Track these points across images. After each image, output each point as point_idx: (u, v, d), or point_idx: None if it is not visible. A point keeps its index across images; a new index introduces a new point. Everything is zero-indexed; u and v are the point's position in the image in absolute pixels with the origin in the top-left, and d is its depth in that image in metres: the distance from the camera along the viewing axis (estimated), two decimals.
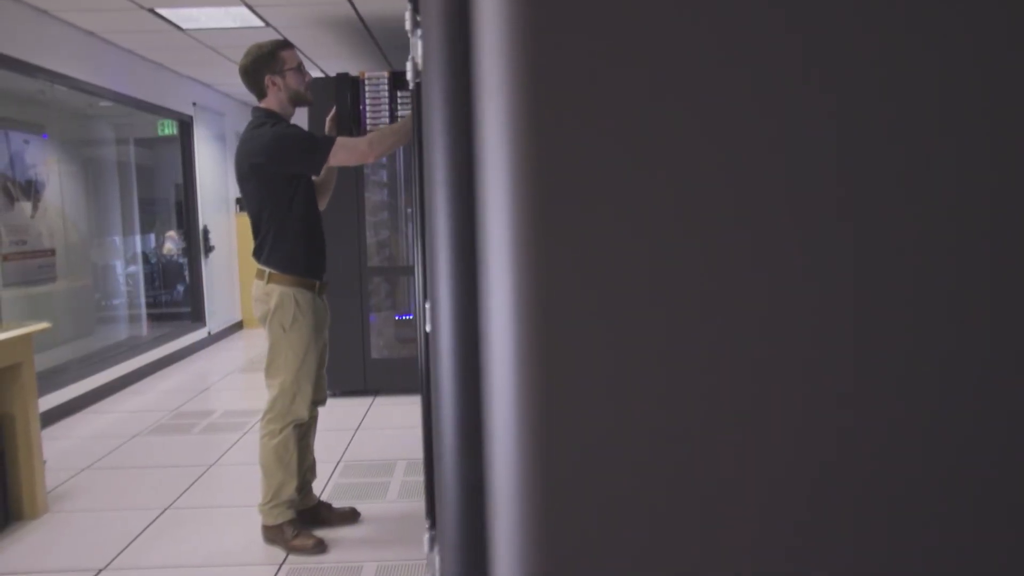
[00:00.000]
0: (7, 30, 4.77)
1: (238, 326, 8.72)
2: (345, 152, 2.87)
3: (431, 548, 1.05)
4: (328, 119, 3.25)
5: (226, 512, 3.35)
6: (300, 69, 2.94)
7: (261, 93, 2.93)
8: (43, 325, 3.46)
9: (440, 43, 0.44)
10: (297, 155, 2.86)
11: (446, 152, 0.44)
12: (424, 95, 0.46)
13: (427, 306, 1.12)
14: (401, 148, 5.28)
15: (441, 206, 0.44)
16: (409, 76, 1.05)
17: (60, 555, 3.02)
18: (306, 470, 3.10)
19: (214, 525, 3.26)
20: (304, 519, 3.09)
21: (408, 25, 1.00)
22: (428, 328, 1.10)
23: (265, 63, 2.89)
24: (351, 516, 3.20)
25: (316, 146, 2.86)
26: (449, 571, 0.43)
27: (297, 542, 2.93)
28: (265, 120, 2.90)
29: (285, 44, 2.95)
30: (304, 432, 3.07)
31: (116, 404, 5.53)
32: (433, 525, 1.05)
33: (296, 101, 2.94)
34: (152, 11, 5.12)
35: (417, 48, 1.01)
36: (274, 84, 2.89)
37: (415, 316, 5.55)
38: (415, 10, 1.01)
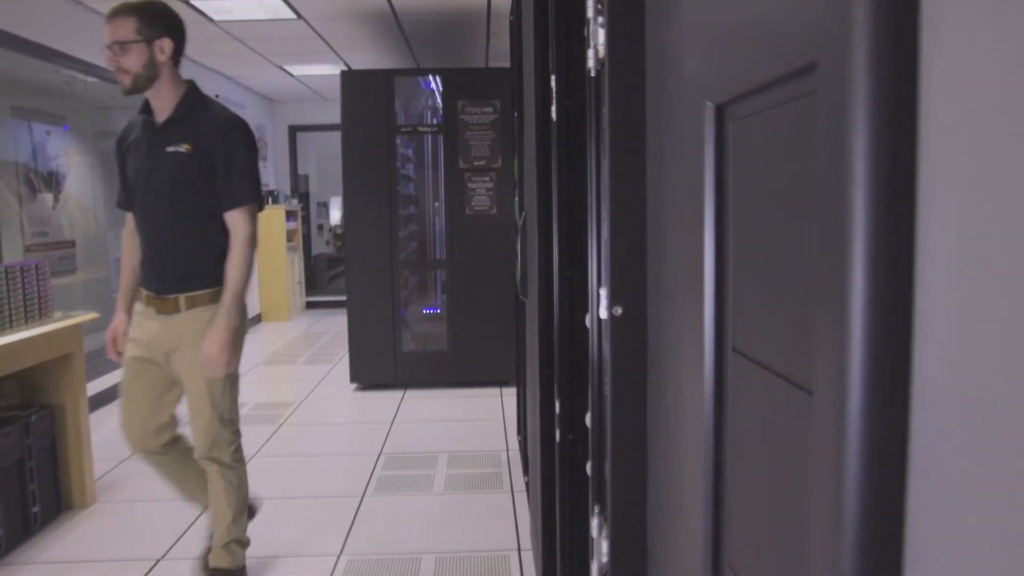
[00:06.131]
0: (39, 19, 4.76)
1: (256, 319, 8.72)
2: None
3: (599, 533, 1.06)
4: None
5: (274, 504, 3.35)
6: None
7: None
8: (92, 315, 3.46)
9: None
10: None
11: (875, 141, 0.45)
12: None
13: (602, 292, 1.13)
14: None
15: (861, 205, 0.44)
16: (590, 64, 1.05)
17: (116, 545, 3.02)
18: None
19: (265, 516, 3.25)
20: None
21: (590, 12, 1.00)
22: (604, 314, 1.11)
23: None
24: None
25: None
26: (849, 549, 0.44)
27: None
28: None
29: None
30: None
31: None
32: (603, 511, 1.06)
33: None
34: (186, 2, 5.11)
35: (599, 36, 1.01)
36: None
37: (444, 308, 5.54)
38: None
